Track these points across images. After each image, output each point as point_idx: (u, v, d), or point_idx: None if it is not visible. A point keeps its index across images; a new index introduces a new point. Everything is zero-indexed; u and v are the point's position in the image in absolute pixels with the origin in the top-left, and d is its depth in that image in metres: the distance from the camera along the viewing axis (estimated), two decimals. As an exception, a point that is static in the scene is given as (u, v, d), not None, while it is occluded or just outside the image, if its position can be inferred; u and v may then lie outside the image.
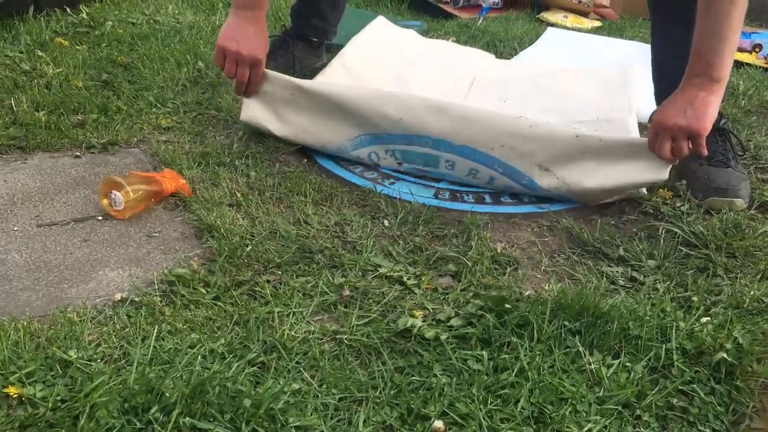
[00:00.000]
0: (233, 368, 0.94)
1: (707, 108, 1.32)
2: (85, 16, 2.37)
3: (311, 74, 1.87)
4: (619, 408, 0.92)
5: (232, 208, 1.34)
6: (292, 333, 1.02)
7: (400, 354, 1.01)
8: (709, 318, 1.10)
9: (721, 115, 1.57)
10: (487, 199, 1.49)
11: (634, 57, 2.25)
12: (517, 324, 1.05)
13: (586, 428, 0.89)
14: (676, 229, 1.34)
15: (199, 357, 0.95)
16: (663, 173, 1.40)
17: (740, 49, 2.60)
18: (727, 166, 1.50)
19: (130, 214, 1.31)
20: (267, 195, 1.40)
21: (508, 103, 1.81)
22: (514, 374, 0.95)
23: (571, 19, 3.13)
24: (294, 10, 2.04)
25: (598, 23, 3.17)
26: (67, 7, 2.39)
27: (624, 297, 1.15)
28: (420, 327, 1.04)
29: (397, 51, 2.09)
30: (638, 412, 0.92)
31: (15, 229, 1.26)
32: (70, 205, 1.34)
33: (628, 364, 0.99)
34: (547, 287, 1.19)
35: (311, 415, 0.88)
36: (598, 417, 0.91)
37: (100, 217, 1.31)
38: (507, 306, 1.06)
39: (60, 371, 0.92)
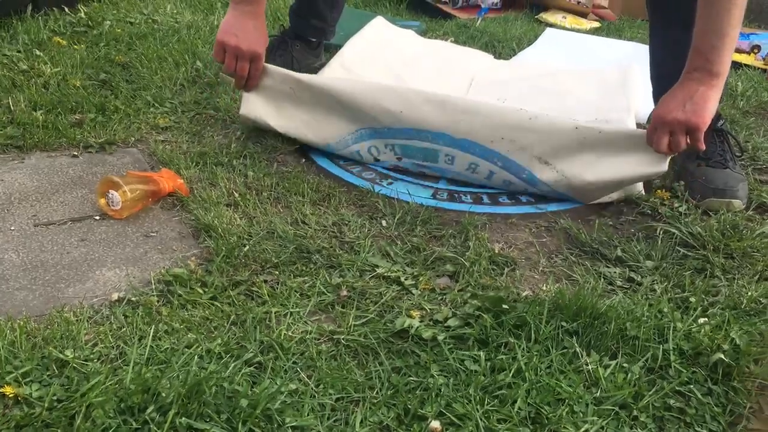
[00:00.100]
0: (230, 368, 0.94)
1: (706, 102, 1.32)
2: (83, 15, 2.37)
3: (309, 74, 1.87)
4: (616, 409, 0.92)
5: (230, 208, 1.34)
6: (289, 333, 1.02)
7: (398, 354, 1.01)
8: (706, 319, 1.09)
9: (719, 116, 1.58)
10: (485, 199, 1.49)
11: (633, 58, 2.25)
12: (515, 324, 1.05)
13: (583, 429, 0.89)
14: (673, 230, 1.34)
15: (196, 357, 0.95)
16: (662, 166, 1.40)
17: (738, 50, 2.60)
18: (725, 167, 1.50)
19: (127, 214, 1.31)
20: (265, 195, 1.40)
21: (506, 103, 1.81)
22: (511, 375, 0.95)
23: (570, 20, 3.13)
24: (293, 10, 2.04)
25: (596, 24, 3.17)
26: (65, 7, 2.39)
27: (621, 298, 1.15)
28: (417, 327, 1.04)
29: (396, 51, 2.10)
30: (635, 412, 0.92)
31: (12, 228, 1.25)
32: (68, 204, 1.34)
33: (625, 364, 0.99)
34: (544, 288, 1.19)
35: (308, 415, 0.88)
36: (595, 418, 0.90)
37: (97, 217, 1.31)
38: (504, 306, 1.06)
39: (56, 371, 0.91)
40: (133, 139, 1.61)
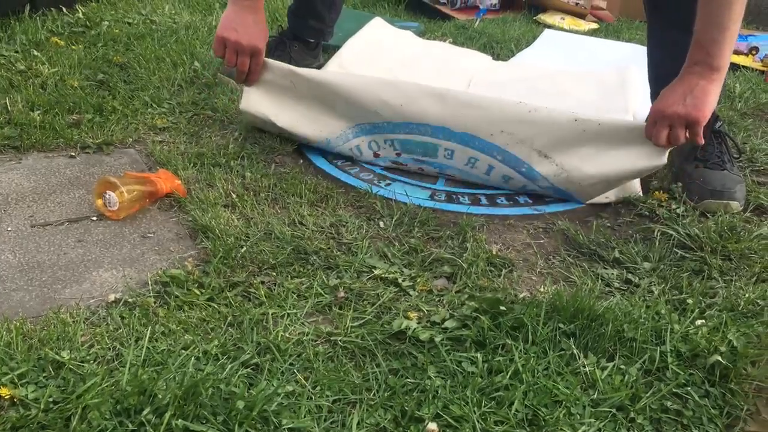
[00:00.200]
0: (227, 370, 0.94)
1: (707, 96, 1.32)
2: (81, 15, 2.37)
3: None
4: (614, 411, 0.92)
5: (228, 209, 1.34)
6: (286, 334, 1.02)
7: (395, 356, 1.00)
8: (703, 320, 1.09)
9: (717, 117, 1.58)
10: (483, 200, 1.49)
11: (631, 59, 2.25)
12: (512, 326, 1.04)
13: (580, 431, 0.89)
14: (671, 232, 1.34)
15: (193, 358, 0.95)
16: (661, 159, 1.40)
17: (737, 52, 2.60)
18: (722, 169, 1.50)
19: (124, 215, 1.31)
20: (262, 196, 1.40)
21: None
22: (508, 376, 0.95)
23: (568, 21, 3.13)
24: (291, 10, 2.04)
25: (595, 25, 3.17)
26: (63, 7, 2.39)
27: (619, 299, 1.14)
28: (414, 329, 1.03)
29: (394, 52, 2.10)
30: (632, 414, 0.92)
31: (9, 229, 1.25)
32: (65, 205, 1.34)
33: (622, 366, 0.99)
34: (542, 289, 1.19)
35: (305, 417, 0.88)
36: (592, 420, 0.90)
37: (94, 218, 1.31)
38: (502, 308, 1.06)
39: (52, 372, 0.91)
40: (130, 139, 1.61)
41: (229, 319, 1.05)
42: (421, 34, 2.64)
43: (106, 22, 2.33)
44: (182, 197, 1.36)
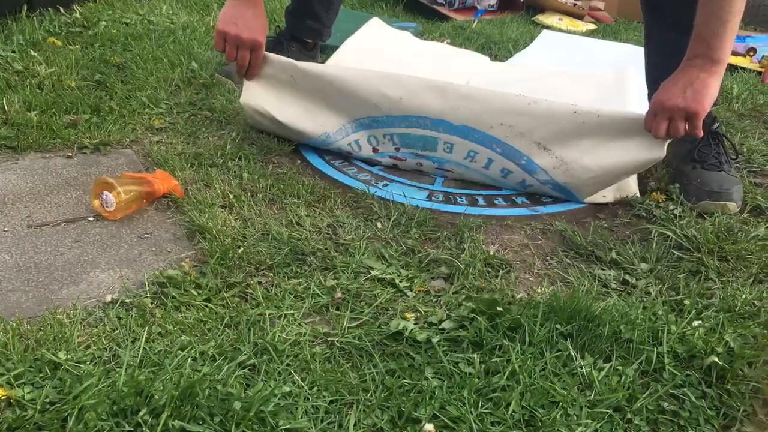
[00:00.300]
0: (223, 370, 0.93)
1: (707, 89, 1.32)
2: (78, 15, 2.37)
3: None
4: (610, 411, 0.92)
5: (225, 210, 1.34)
6: (284, 335, 1.02)
7: (392, 356, 1.00)
8: (700, 321, 1.10)
9: (714, 118, 1.58)
10: (481, 201, 1.49)
11: (629, 60, 2.25)
12: (509, 327, 1.04)
13: (576, 431, 0.89)
14: (668, 233, 1.34)
15: (189, 359, 0.95)
16: (660, 151, 1.39)
17: (734, 53, 2.61)
18: (720, 170, 1.50)
19: (121, 215, 1.30)
20: (260, 196, 1.40)
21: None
22: (505, 377, 0.95)
23: (566, 22, 3.13)
24: (288, 11, 2.04)
25: (592, 26, 3.18)
26: (61, 7, 2.39)
27: (616, 300, 1.14)
28: (412, 329, 1.03)
29: (392, 53, 2.10)
30: (629, 415, 0.92)
31: (5, 229, 1.25)
32: (62, 205, 1.34)
33: (619, 367, 0.99)
34: (539, 290, 1.19)
35: (301, 417, 0.88)
36: (589, 420, 0.90)
37: (91, 218, 1.31)
38: (499, 309, 1.06)
39: (49, 373, 0.91)
40: (127, 140, 1.61)
41: (226, 319, 1.05)
42: (419, 34, 2.64)
43: (104, 23, 2.33)
44: (179, 198, 1.36)
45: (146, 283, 1.12)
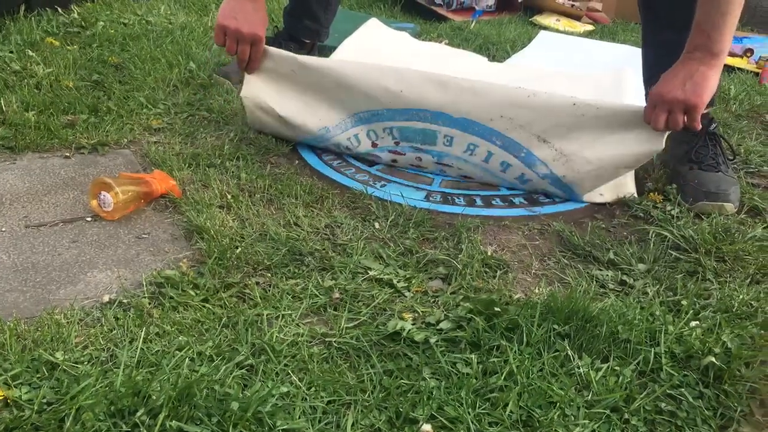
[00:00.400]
0: (221, 371, 0.93)
1: (706, 82, 1.32)
2: (76, 16, 2.36)
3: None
4: (608, 412, 0.92)
5: (222, 210, 1.34)
6: (281, 336, 1.02)
7: (389, 357, 1.00)
8: (698, 322, 1.10)
9: (711, 119, 1.58)
10: (478, 202, 1.49)
11: (626, 61, 2.25)
12: (507, 327, 1.04)
13: (574, 432, 0.89)
14: (666, 233, 1.35)
15: (187, 359, 0.95)
16: (659, 143, 1.40)
17: (732, 54, 2.61)
18: (717, 171, 1.51)
19: (119, 216, 1.30)
20: (257, 197, 1.40)
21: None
22: (503, 378, 0.95)
23: (564, 23, 3.14)
24: (286, 11, 2.04)
25: (590, 27, 3.18)
26: (59, 7, 2.39)
27: (613, 301, 1.15)
28: (409, 330, 1.03)
29: (390, 53, 2.10)
30: (626, 416, 0.92)
31: (3, 229, 1.25)
32: (59, 205, 1.34)
33: (616, 367, 0.99)
34: (536, 290, 1.19)
35: (299, 418, 0.88)
36: (587, 421, 0.90)
37: (89, 218, 1.30)
38: (496, 309, 1.06)
39: (46, 373, 0.91)
40: (125, 140, 1.61)
41: (223, 320, 1.05)
42: (417, 35, 2.64)
43: (102, 23, 2.33)
44: (177, 198, 1.36)
45: (144, 283, 1.12)
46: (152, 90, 1.84)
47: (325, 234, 1.30)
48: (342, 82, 1.53)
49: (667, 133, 1.40)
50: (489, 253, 1.27)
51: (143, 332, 0.99)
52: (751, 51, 2.66)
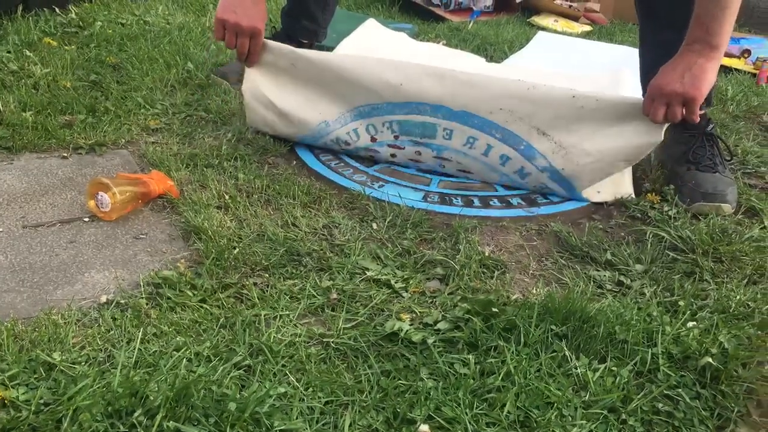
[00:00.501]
0: (218, 371, 0.93)
1: (704, 74, 1.33)
2: (74, 16, 2.36)
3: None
4: (605, 412, 0.92)
5: (220, 211, 1.34)
6: (279, 336, 1.02)
7: (387, 357, 1.00)
8: (695, 322, 1.10)
9: (708, 120, 1.58)
10: (476, 202, 1.49)
11: (624, 61, 2.25)
12: (504, 328, 1.05)
13: (571, 432, 0.89)
14: (663, 234, 1.35)
15: (185, 360, 0.95)
16: (658, 135, 1.40)
17: (729, 55, 2.62)
18: (714, 171, 1.51)
19: (117, 216, 1.30)
20: (255, 197, 1.40)
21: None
22: (500, 378, 0.95)
23: (562, 24, 3.14)
24: (284, 11, 2.04)
25: (588, 27, 3.18)
26: (56, 7, 2.38)
27: (611, 301, 1.15)
28: (407, 330, 1.03)
29: (388, 53, 2.09)
30: (624, 416, 0.93)
31: (0, 230, 1.25)
32: (57, 206, 1.34)
33: (614, 368, 0.99)
34: (534, 291, 1.19)
35: (297, 418, 0.88)
36: (584, 421, 0.90)
37: (86, 219, 1.30)
38: (494, 310, 1.06)
39: (43, 374, 0.91)
40: (123, 140, 1.61)
41: (221, 320, 1.05)
42: (415, 35, 2.64)
43: (99, 23, 2.32)
44: (175, 198, 1.36)
45: (141, 283, 1.12)
46: (150, 90, 1.84)
47: (323, 234, 1.30)
48: (342, 75, 1.53)
49: (666, 125, 1.40)
50: (486, 254, 1.27)
51: (141, 333, 0.99)
52: (748, 52, 2.67)
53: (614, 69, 2.06)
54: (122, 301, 1.07)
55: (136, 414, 0.84)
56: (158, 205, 1.36)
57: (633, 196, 1.51)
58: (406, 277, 1.19)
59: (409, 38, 2.34)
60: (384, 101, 1.52)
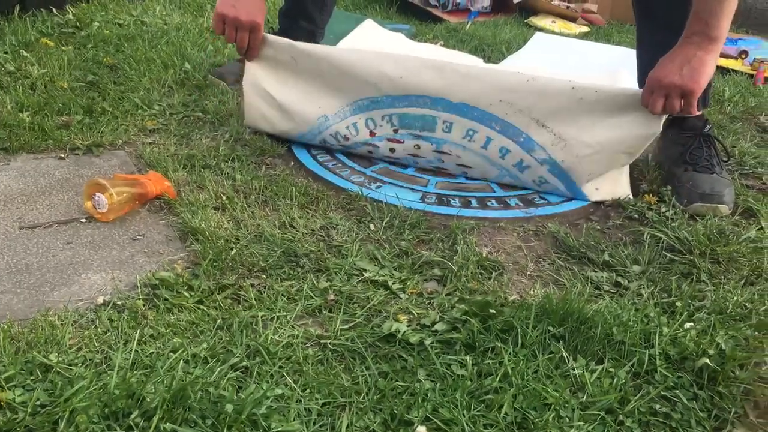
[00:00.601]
0: (215, 373, 0.93)
1: (703, 67, 1.33)
2: (71, 16, 2.36)
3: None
4: (602, 413, 0.92)
5: (218, 211, 1.34)
6: (276, 337, 1.02)
7: (384, 359, 1.00)
8: (692, 323, 1.10)
9: (706, 121, 1.59)
10: (474, 203, 1.49)
11: (621, 62, 2.26)
12: (502, 329, 1.05)
13: (569, 434, 0.89)
14: (660, 235, 1.35)
15: (181, 361, 0.94)
16: (657, 126, 1.41)
17: (726, 56, 2.62)
18: (711, 172, 1.51)
19: (114, 217, 1.30)
20: (252, 198, 1.40)
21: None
22: (497, 379, 0.95)
23: (559, 24, 3.14)
24: (282, 11, 2.04)
25: (585, 28, 3.19)
26: (53, 8, 2.38)
27: (608, 302, 1.15)
28: (404, 332, 1.03)
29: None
30: (621, 417, 0.93)
31: (-3, 231, 1.25)
32: (54, 207, 1.33)
33: (611, 369, 0.99)
34: (532, 292, 1.19)
35: (294, 420, 0.87)
36: (581, 422, 0.90)
37: (83, 220, 1.30)
38: (492, 311, 1.06)
39: (40, 375, 0.91)
40: (120, 141, 1.61)
41: (218, 321, 1.04)
42: (413, 36, 2.64)
43: (97, 23, 2.32)
44: (172, 199, 1.36)
45: (138, 284, 1.12)
46: (147, 91, 1.84)
47: (321, 235, 1.30)
48: (342, 68, 1.54)
49: (665, 116, 1.40)
50: (484, 255, 1.27)
51: (137, 334, 0.99)
52: (745, 53, 2.67)
53: (612, 70, 2.06)
54: (119, 303, 1.07)
55: (132, 416, 0.83)
56: (155, 206, 1.36)
57: (630, 197, 1.51)
58: (403, 278, 1.19)
59: (406, 39, 2.34)
60: (383, 94, 1.52)
